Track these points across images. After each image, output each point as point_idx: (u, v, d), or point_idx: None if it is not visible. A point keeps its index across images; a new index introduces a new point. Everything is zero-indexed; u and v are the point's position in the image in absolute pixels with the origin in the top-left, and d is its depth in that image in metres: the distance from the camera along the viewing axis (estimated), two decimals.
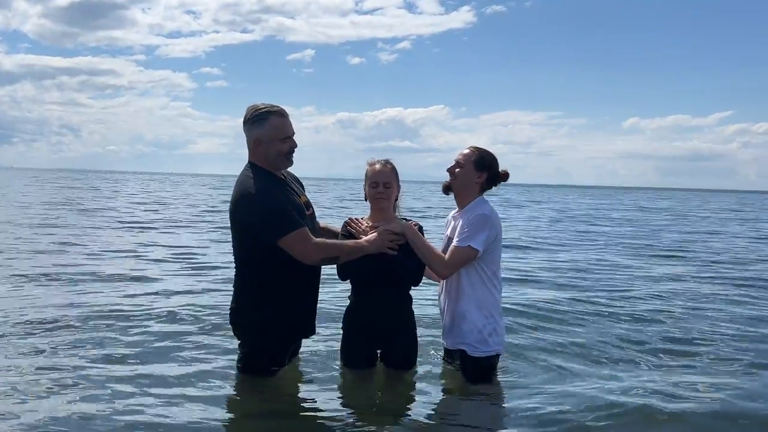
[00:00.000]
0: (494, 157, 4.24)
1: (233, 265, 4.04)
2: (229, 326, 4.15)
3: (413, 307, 4.24)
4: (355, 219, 4.20)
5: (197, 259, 10.48)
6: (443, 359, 4.52)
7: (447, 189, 4.28)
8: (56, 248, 11.16)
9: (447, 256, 4.05)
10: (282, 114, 3.90)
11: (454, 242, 4.07)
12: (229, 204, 3.96)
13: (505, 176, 4.26)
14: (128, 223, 17.35)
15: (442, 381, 4.35)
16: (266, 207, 3.72)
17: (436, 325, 5.49)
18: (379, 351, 4.24)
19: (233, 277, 4.07)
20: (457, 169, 4.20)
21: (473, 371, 4.17)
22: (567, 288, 8.58)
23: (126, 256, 10.57)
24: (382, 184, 4.08)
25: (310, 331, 4.15)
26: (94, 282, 7.96)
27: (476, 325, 4.10)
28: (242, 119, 3.93)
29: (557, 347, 5.46)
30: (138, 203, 28.30)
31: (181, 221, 18.70)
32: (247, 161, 3.96)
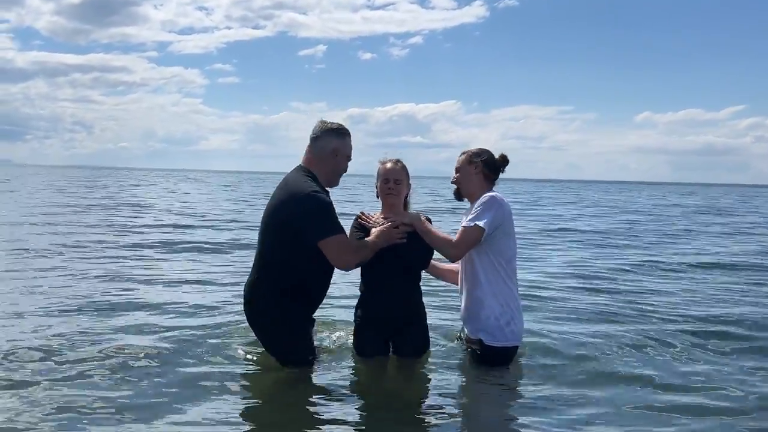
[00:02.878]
0: (484, 149, 4.40)
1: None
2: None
3: (425, 297, 4.38)
4: (367, 214, 4.35)
5: None
6: (464, 347, 4.56)
7: (457, 194, 4.45)
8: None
9: (456, 236, 4.15)
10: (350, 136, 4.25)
11: (463, 223, 4.19)
12: (270, 201, 4.08)
13: (503, 159, 4.37)
14: None
15: (455, 370, 4.42)
16: (318, 207, 3.88)
17: (449, 312, 5.70)
18: (391, 342, 4.35)
19: (253, 278, 4.15)
20: (456, 175, 4.39)
21: (490, 362, 4.24)
22: None
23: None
24: (393, 180, 4.24)
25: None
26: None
27: (493, 311, 4.17)
28: (320, 127, 4.14)
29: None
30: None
31: None
32: (300, 165, 4.13)
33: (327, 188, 4.13)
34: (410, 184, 4.35)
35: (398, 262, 4.18)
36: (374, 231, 4.13)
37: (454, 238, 4.15)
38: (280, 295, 4.04)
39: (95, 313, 5.90)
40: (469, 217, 4.17)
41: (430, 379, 4.26)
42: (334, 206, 4.10)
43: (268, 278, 4.07)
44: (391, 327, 4.29)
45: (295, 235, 3.91)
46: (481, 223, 4.08)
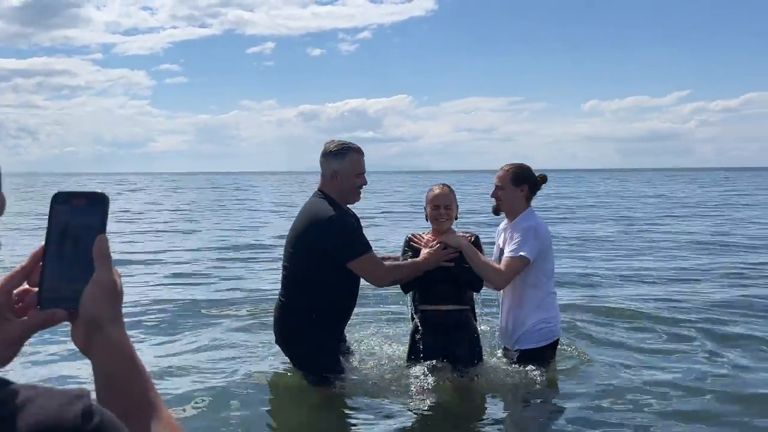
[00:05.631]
0: (527, 167, 4.50)
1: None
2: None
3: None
4: (418, 235, 4.49)
5: None
6: (504, 356, 4.67)
7: (496, 211, 4.53)
8: None
9: (501, 266, 4.26)
10: (360, 152, 4.19)
11: (507, 253, 4.27)
12: (293, 226, 4.20)
13: (543, 179, 4.52)
14: None
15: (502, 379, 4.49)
16: (342, 229, 3.99)
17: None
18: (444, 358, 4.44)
19: (282, 299, 4.25)
20: (499, 192, 4.44)
21: (528, 361, 4.43)
22: None
23: None
24: (443, 206, 4.36)
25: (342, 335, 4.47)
26: None
27: (533, 326, 4.38)
28: (322, 150, 4.21)
29: None
30: None
31: None
32: (317, 190, 4.22)
33: (349, 204, 4.25)
34: (458, 206, 4.44)
35: (447, 284, 4.31)
36: (424, 251, 4.26)
37: (501, 266, 4.26)
38: (310, 314, 4.11)
39: None
40: (512, 246, 4.25)
41: (478, 391, 4.37)
42: (359, 221, 4.24)
43: (299, 298, 4.14)
44: (445, 342, 4.38)
45: (323, 256, 4.00)
46: (525, 254, 4.24)
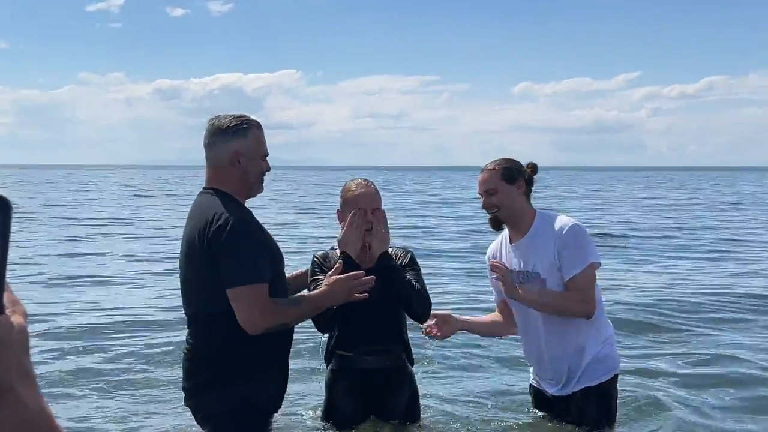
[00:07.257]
0: (514, 160, 3.76)
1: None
2: None
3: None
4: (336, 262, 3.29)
5: None
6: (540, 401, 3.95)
7: (497, 223, 3.73)
8: None
9: (574, 290, 3.52)
10: (261, 128, 3.20)
11: (571, 271, 3.51)
12: (183, 240, 3.13)
13: (533, 169, 3.77)
14: None
15: None
16: (235, 241, 2.95)
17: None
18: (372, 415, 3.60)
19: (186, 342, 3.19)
20: (493, 198, 3.62)
21: (600, 402, 3.69)
22: None
23: None
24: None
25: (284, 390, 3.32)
26: None
27: (599, 354, 3.66)
28: (209, 129, 3.12)
29: None
30: None
31: None
32: (206, 186, 3.16)
33: (250, 197, 3.21)
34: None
35: (378, 319, 3.38)
36: (329, 278, 3.11)
37: (574, 289, 3.52)
38: (223, 364, 3.05)
39: None
40: (570, 259, 3.53)
41: None
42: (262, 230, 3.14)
43: (206, 342, 3.11)
44: (373, 395, 3.50)
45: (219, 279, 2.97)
46: (594, 260, 3.57)
